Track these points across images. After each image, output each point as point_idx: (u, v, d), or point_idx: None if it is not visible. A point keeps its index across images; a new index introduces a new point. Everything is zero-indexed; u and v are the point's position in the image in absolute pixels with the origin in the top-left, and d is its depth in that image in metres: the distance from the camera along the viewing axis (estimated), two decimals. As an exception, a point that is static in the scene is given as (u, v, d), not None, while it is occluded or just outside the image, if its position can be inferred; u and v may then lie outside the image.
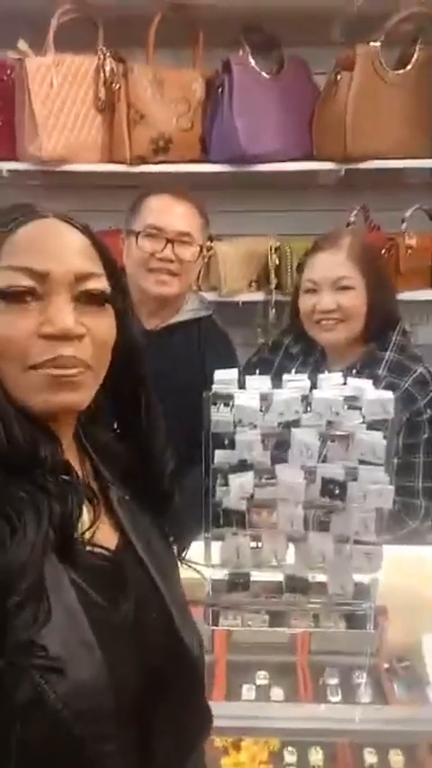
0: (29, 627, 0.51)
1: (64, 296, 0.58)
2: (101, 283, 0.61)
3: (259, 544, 1.02)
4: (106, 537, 0.64)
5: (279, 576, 1.05)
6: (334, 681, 1.09)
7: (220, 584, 1.05)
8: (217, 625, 1.05)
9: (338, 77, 1.71)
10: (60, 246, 0.60)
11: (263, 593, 1.05)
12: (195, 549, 0.85)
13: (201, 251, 1.45)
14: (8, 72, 1.73)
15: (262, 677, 1.10)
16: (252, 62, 1.73)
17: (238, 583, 1.04)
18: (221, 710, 0.98)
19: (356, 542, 0.99)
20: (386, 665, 1.12)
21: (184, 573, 0.77)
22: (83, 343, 0.59)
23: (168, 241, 1.39)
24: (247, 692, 1.08)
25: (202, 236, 1.46)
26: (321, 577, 1.05)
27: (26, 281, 0.57)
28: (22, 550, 0.52)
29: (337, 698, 1.06)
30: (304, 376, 0.98)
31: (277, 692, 1.08)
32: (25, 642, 0.51)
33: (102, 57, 1.70)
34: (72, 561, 0.57)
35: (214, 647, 1.12)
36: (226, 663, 1.11)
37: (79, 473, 0.64)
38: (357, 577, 1.03)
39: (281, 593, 1.05)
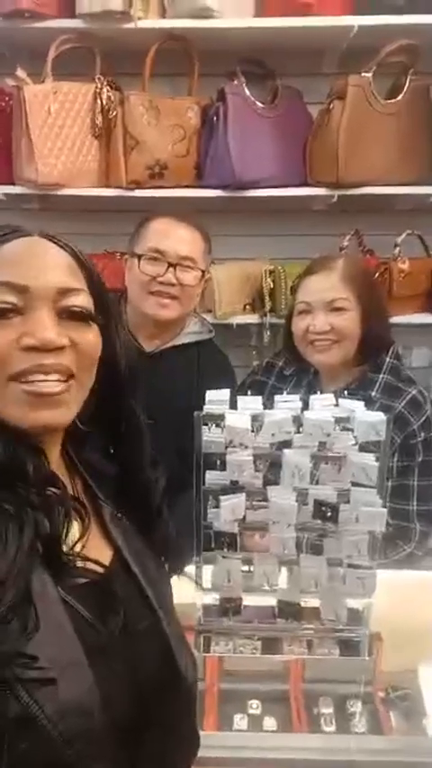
0: (15, 638, 0.50)
1: (46, 310, 0.59)
2: (83, 300, 0.61)
3: (251, 568, 1.00)
4: (99, 553, 0.63)
5: (271, 601, 1.03)
6: (328, 710, 1.07)
7: (212, 609, 1.03)
8: (208, 651, 1.03)
9: (331, 106, 1.75)
10: (42, 262, 0.60)
11: (255, 619, 1.04)
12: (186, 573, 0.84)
13: (203, 275, 1.46)
14: (6, 98, 1.76)
15: (254, 706, 1.08)
16: (247, 91, 1.77)
17: (230, 608, 1.02)
18: (213, 741, 0.96)
19: (349, 566, 0.97)
20: (381, 694, 1.09)
21: (175, 598, 0.75)
22: (65, 354, 0.59)
23: (170, 265, 1.40)
24: (240, 721, 1.05)
25: (205, 260, 1.47)
26: (314, 602, 1.03)
27: (7, 296, 0.57)
28: (3, 563, 0.51)
29: (332, 728, 1.04)
30: (296, 397, 0.98)
31: (270, 722, 1.05)
32: (13, 654, 0.50)
33: (99, 85, 1.74)
34: (62, 577, 0.57)
35: (206, 674, 1.09)
36: (217, 691, 1.09)
37: (69, 487, 0.63)
38: (351, 603, 1.02)
39: (273, 619, 1.03)
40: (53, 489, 0.59)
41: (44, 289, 0.59)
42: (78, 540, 0.60)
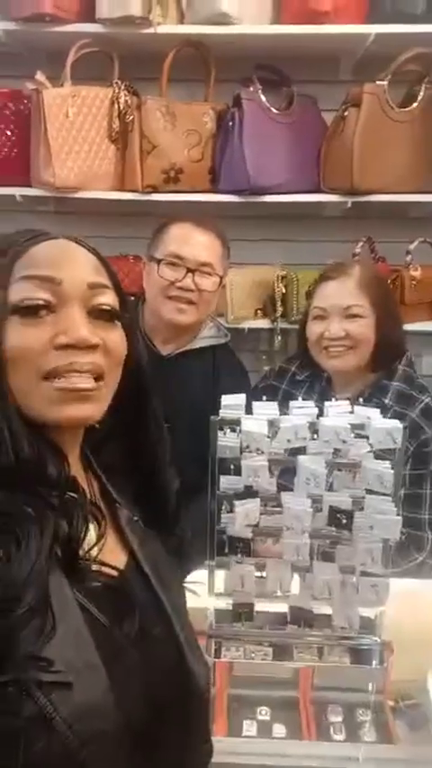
0: (33, 641, 0.50)
1: (78, 308, 0.59)
2: (111, 298, 0.62)
3: (263, 573, 1.00)
4: (114, 557, 0.64)
5: (283, 607, 1.03)
6: (338, 718, 1.06)
7: (224, 614, 1.03)
8: (219, 657, 1.03)
9: (346, 114, 1.76)
10: (72, 259, 0.61)
11: (266, 625, 1.03)
12: (199, 578, 0.83)
13: (221, 281, 1.46)
14: (25, 101, 1.78)
15: (264, 713, 1.07)
16: (263, 98, 1.78)
17: (242, 613, 1.02)
18: (222, 746, 0.96)
19: (363, 574, 0.97)
20: (391, 703, 1.09)
21: (187, 602, 0.75)
22: (97, 353, 0.59)
23: (189, 271, 1.40)
24: (249, 727, 1.04)
25: (223, 266, 1.47)
26: (327, 609, 1.03)
27: (40, 293, 0.58)
28: (24, 564, 0.51)
29: (341, 736, 1.03)
30: (312, 403, 0.98)
31: (279, 729, 1.05)
32: (30, 656, 0.50)
33: (117, 89, 1.75)
34: (78, 580, 0.57)
35: (216, 679, 1.09)
36: (227, 696, 1.08)
37: (86, 491, 0.63)
38: (363, 611, 1.01)
39: (285, 625, 1.03)
40: (73, 494, 0.59)
41: (76, 284, 0.59)
42: (95, 544, 0.61)
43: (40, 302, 0.58)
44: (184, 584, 0.76)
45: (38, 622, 0.51)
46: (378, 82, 1.73)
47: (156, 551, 0.70)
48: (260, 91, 1.77)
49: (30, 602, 0.51)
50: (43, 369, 0.57)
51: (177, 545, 0.75)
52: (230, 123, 1.77)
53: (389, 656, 1.06)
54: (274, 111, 1.80)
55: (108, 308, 0.61)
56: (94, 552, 0.60)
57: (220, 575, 1.00)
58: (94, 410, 0.60)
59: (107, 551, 0.63)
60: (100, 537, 0.62)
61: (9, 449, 0.55)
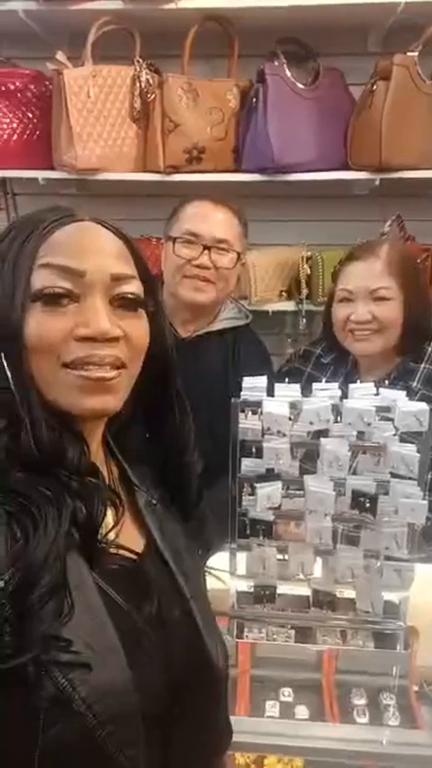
0: (52, 622, 0.51)
1: (100, 298, 0.58)
2: (135, 287, 0.61)
3: (286, 556, 1.00)
4: (132, 541, 0.64)
5: (306, 590, 1.03)
6: (361, 701, 1.06)
7: (246, 596, 1.03)
8: (241, 638, 1.03)
9: (375, 87, 1.70)
10: (97, 248, 0.60)
11: (289, 607, 1.03)
12: (221, 560, 0.84)
13: (238, 258, 1.44)
14: (46, 83, 1.77)
15: (286, 694, 1.07)
16: (287, 72, 1.73)
17: (264, 595, 1.02)
18: (245, 726, 0.96)
19: (387, 558, 0.96)
20: (416, 688, 1.08)
21: (209, 584, 0.75)
22: (118, 345, 0.59)
23: (205, 248, 1.38)
24: (271, 708, 1.05)
25: (241, 243, 1.44)
26: (350, 593, 1.02)
27: (63, 282, 0.57)
28: (42, 546, 0.52)
29: (364, 719, 1.03)
30: (335, 385, 0.96)
31: (302, 710, 1.05)
32: (49, 637, 0.50)
33: (138, 67, 1.72)
34: (97, 563, 0.57)
35: (238, 660, 1.09)
36: (250, 677, 1.09)
37: (105, 476, 0.63)
38: (387, 595, 1.00)
39: (307, 608, 1.02)
40: (92, 479, 0.59)
41: (100, 274, 0.58)
42: (112, 528, 0.61)
43: (63, 292, 0.57)
44: (207, 569, 0.76)
45: (55, 603, 0.51)
46: (408, 53, 1.67)
47: (175, 535, 0.70)
48: (285, 65, 1.72)
49: (47, 583, 0.51)
50: (63, 359, 0.57)
51: (197, 528, 0.75)
52: (254, 100, 1.73)
53: (414, 642, 1.05)
54: (300, 86, 1.75)
55: (132, 296, 0.61)
56: (112, 536, 0.60)
57: (242, 557, 0.99)
58: (113, 401, 0.60)
59: (126, 535, 0.63)
60: (117, 522, 0.62)
61: (29, 433, 0.56)
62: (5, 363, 0.56)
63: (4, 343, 0.56)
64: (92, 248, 0.59)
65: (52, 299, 0.57)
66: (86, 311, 0.57)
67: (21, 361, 0.56)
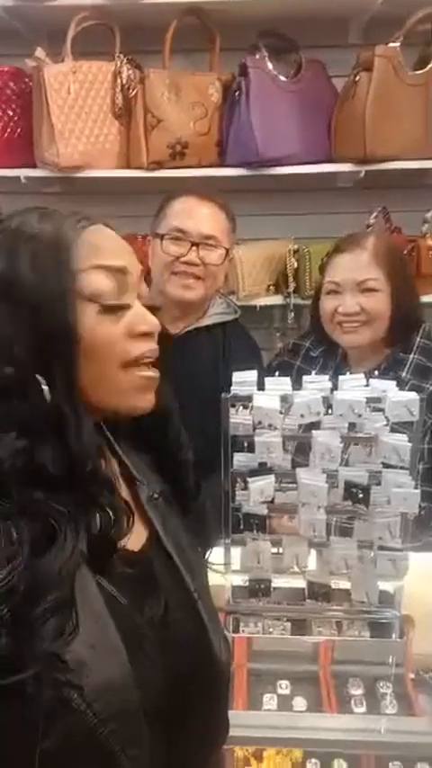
0: (55, 639, 0.50)
1: (136, 296, 0.60)
2: (144, 286, 0.64)
3: (280, 549, 1.00)
4: (136, 535, 0.64)
5: (301, 583, 1.03)
6: (358, 691, 1.06)
7: (241, 590, 1.03)
8: (237, 632, 1.03)
9: (357, 78, 1.70)
10: (123, 246, 0.62)
11: (284, 600, 1.03)
12: (215, 555, 0.83)
13: (227, 254, 1.43)
14: (26, 80, 1.75)
15: (284, 687, 1.08)
16: (269, 65, 1.72)
17: (259, 589, 1.02)
18: (243, 720, 0.97)
19: (381, 548, 0.96)
20: (412, 676, 1.09)
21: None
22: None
23: (193, 244, 1.37)
24: (269, 701, 1.05)
25: (229, 239, 1.44)
26: (345, 584, 1.02)
27: (113, 282, 0.58)
28: (57, 562, 0.51)
29: (362, 709, 1.03)
30: (325, 377, 0.96)
31: (300, 702, 1.05)
32: (50, 654, 0.50)
33: (119, 62, 1.71)
34: (104, 569, 0.57)
35: (235, 654, 1.09)
36: (247, 671, 1.09)
37: (109, 475, 0.63)
38: (382, 585, 1.01)
39: (303, 601, 1.03)
40: (108, 494, 0.58)
41: (135, 272, 0.61)
42: (121, 533, 0.60)
43: (116, 292, 0.58)
44: (208, 564, 0.76)
45: (60, 620, 0.51)
46: (390, 44, 1.67)
47: (178, 529, 0.70)
48: (266, 58, 1.71)
49: (54, 599, 0.50)
50: (124, 357, 0.58)
51: (197, 523, 0.75)
52: (237, 93, 1.72)
53: (409, 630, 1.06)
54: (282, 78, 1.75)
55: (145, 293, 0.64)
56: (120, 543, 0.60)
57: (237, 551, 0.99)
58: (153, 400, 0.62)
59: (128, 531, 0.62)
60: (127, 529, 0.61)
61: (74, 444, 0.55)
62: (55, 369, 0.55)
63: (56, 348, 0.55)
64: (120, 248, 0.61)
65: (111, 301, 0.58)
66: (137, 309, 0.59)
67: (74, 366, 0.55)
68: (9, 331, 0.54)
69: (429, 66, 1.72)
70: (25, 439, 0.53)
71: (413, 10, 1.64)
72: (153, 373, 0.61)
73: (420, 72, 1.72)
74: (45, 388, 0.54)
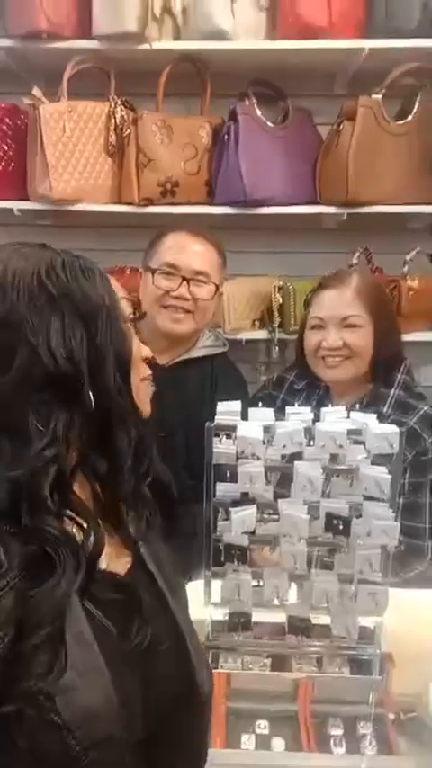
0: (42, 676, 0.49)
1: None
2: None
3: (261, 582, 0.99)
4: (118, 559, 0.63)
5: (281, 617, 1.02)
6: (338, 731, 1.04)
7: (221, 624, 1.01)
8: (216, 668, 1.01)
9: (341, 127, 1.77)
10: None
11: (264, 635, 1.02)
12: (195, 587, 0.83)
13: (217, 290, 1.46)
14: (21, 117, 1.80)
15: (262, 726, 1.05)
16: (258, 112, 1.79)
17: (239, 623, 1.01)
18: (221, 758, 0.94)
19: (361, 582, 0.96)
20: (392, 716, 1.07)
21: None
22: None
23: (184, 279, 1.40)
24: (247, 741, 1.02)
25: (219, 275, 1.47)
26: (325, 619, 1.01)
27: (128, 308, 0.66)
28: (53, 596, 0.51)
29: (341, 749, 1.01)
30: (308, 409, 0.98)
31: (278, 743, 1.03)
32: (37, 691, 0.49)
33: (113, 104, 1.77)
34: (88, 594, 0.56)
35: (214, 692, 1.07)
36: (225, 710, 1.06)
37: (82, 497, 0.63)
38: (363, 621, 1.00)
39: (283, 636, 1.01)
40: (97, 527, 0.59)
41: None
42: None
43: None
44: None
45: (49, 656, 0.50)
46: (373, 95, 1.75)
47: (160, 554, 0.70)
48: (255, 105, 1.79)
49: (46, 633, 0.50)
50: (142, 374, 0.68)
51: (181, 551, 0.75)
52: (226, 137, 1.79)
53: (390, 668, 1.05)
54: (270, 124, 1.82)
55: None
56: (104, 565, 0.60)
57: (217, 584, 0.98)
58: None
59: (111, 555, 0.62)
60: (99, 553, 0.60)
61: (149, 464, 0.64)
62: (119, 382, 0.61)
63: (123, 361, 0.62)
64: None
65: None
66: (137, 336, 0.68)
67: (129, 377, 0.63)
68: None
69: (410, 117, 1.80)
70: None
71: (396, 64, 1.73)
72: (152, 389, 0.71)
73: (403, 122, 1.80)
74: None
